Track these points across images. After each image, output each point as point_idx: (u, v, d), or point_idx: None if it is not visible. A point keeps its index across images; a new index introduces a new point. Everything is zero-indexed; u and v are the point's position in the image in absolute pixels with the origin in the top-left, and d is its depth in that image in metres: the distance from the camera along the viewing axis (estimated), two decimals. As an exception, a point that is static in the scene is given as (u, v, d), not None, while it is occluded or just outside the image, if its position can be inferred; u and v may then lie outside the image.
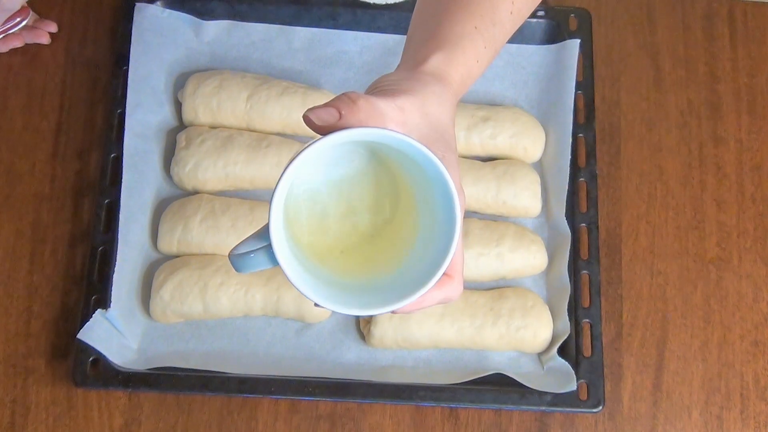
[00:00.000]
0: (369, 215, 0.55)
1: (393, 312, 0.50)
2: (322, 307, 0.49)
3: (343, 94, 0.50)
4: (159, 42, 0.94)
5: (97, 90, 0.95)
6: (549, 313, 0.87)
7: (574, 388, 0.83)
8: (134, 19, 0.93)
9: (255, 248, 0.50)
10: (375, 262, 0.54)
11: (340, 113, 0.49)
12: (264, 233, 0.49)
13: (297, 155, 0.47)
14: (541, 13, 0.96)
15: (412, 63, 0.57)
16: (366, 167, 0.54)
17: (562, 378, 0.84)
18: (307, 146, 0.47)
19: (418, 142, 0.48)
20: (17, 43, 0.95)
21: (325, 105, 0.49)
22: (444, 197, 0.49)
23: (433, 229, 0.51)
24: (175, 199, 0.90)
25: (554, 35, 0.97)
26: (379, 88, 0.54)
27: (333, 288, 0.52)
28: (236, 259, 0.51)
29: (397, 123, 0.50)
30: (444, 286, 0.51)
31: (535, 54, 0.97)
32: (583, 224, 0.90)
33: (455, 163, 0.53)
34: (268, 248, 0.49)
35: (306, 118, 0.49)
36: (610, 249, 0.92)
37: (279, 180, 0.47)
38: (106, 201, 0.89)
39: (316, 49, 0.97)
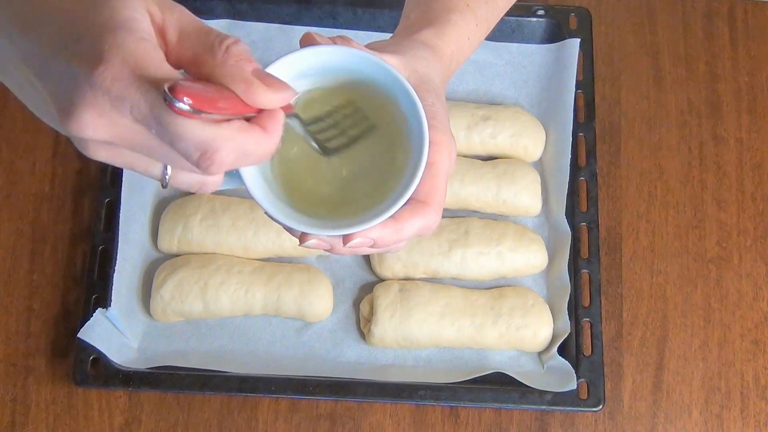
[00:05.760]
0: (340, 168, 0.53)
1: (371, 239, 0.49)
2: (275, 220, 0.48)
3: (340, 36, 0.52)
4: (159, 41, 0.94)
5: (97, 89, 0.95)
6: (549, 312, 0.87)
7: (575, 387, 0.83)
8: (134, 18, 0.93)
9: None
10: (349, 201, 0.53)
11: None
12: None
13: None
14: (541, 12, 0.96)
15: (404, 35, 0.57)
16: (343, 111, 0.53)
17: (562, 377, 0.84)
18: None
19: (382, 60, 0.49)
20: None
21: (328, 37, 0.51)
22: (415, 121, 0.49)
23: (407, 159, 0.50)
24: (176, 198, 0.90)
25: (554, 34, 0.96)
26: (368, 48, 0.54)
27: (297, 212, 0.50)
28: None
29: None
30: (423, 213, 0.50)
31: (536, 53, 0.97)
32: (584, 223, 0.90)
33: (444, 114, 0.53)
34: None
35: (307, 34, 0.51)
36: (611, 248, 0.92)
37: None
38: (107, 200, 0.89)
39: (316, 48, 0.97)
